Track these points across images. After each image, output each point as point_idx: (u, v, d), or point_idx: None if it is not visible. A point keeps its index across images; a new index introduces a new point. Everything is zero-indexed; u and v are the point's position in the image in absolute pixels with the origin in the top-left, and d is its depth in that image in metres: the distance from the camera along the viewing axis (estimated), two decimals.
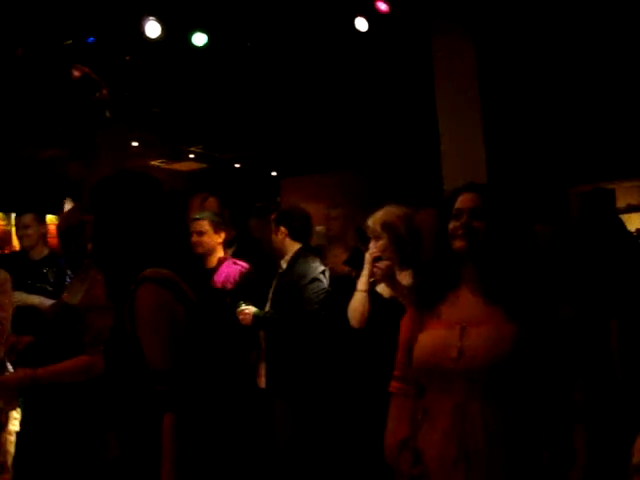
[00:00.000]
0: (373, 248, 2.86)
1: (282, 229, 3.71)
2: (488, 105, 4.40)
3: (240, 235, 4.58)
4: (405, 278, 2.89)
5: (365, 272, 2.90)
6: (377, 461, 1.95)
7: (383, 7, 4.47)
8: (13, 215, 8.49)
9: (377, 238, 2.90)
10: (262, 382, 3.59)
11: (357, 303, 2.91)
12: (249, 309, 3.55)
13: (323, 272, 3.63)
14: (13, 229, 8.52)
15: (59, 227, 2.94)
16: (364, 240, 3.40)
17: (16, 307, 3.38)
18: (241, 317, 3.53)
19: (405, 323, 1.92)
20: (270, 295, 3.71)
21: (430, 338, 1.77)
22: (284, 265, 3.71)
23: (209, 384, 1.77)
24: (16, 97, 5.67)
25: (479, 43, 4.41)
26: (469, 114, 4.37)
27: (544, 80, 5.45)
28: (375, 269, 2.83)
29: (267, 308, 3.67)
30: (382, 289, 2.90)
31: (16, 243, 8.25)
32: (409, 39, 4.89)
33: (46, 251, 4.08)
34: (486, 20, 4.50)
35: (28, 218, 4.08)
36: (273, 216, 3.85)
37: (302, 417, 3.48)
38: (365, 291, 2.88)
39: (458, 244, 1.76)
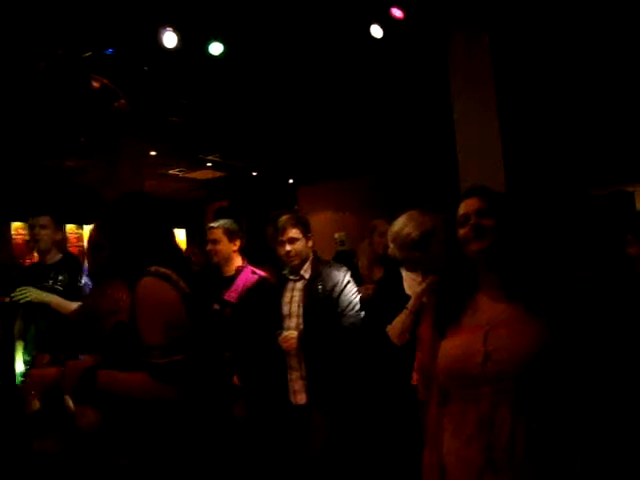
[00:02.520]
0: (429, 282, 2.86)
1: (310, 236, 3.61)
2: (505, 110, 4.38)
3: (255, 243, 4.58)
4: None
5: (416, 295, 2.88)
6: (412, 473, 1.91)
7: (398, 14, 4.46)
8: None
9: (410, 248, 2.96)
10: (298, 399, 3.49)
11: (399, 319, 2.89)
12: (292, 333, 3.41)
13: (352, 275, 3.56)
14: None
15: (89, 240, 3.02)
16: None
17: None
18: (286, 345, 3.41)
19: (424, 330, 1.90)
20: (297, 309, 3.55)
21: (453, 345, 1.74)
22: (306, 275, 3.57)
23: (199, 368, 1.99)
24: (38, 109, 5.76)
25: (495, 48, 4.39)
26: (486, 119, 4.35)
27: (562, 84, 5.42)
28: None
29: (294, 322, 3.52)
30: None
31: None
32: (425, 45, 4.89)
33: (58, 256, 3.98)
34: (503, 25, 4.49)
35: (45, 219, 3.91)
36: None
37: (342, 429, 3.40)
38: (412, 312, 2.84)
39: (473, 247, 1.73)
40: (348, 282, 3.49)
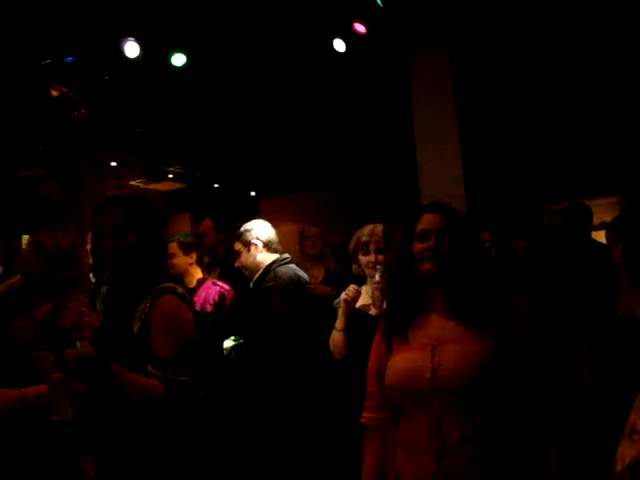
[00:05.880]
0: (349, 292, 2.81)
1: (254, 244, 3.56)
2: (465, 124, 4.46)
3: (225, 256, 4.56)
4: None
5: (341, 312, 2.78)
6: None
7: (360, 28, 4.52)
8: None
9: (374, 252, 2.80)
10: None
11: (335, 340, 2.81)
12: (225, 343, 3.51)
13: (301, 279, 3.50)
14: None
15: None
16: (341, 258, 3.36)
17: None
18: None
19: (374, 351, 1.91)
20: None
21: (402, 361, 1.75)
22: (251, 285, 3.56)
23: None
24: None
25: (456, 63, 4.47)
26: (446, 133, 4.40)
27: (521, 100, 5.55)
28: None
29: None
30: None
31: None
32: (386, 59, 4.96)
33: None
34: (463, 40, 4.58)
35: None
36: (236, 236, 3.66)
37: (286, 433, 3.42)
38: (341, 330, 2.76)
39: (427, 266, 1.73)
40: (287, 284, 3.41)
